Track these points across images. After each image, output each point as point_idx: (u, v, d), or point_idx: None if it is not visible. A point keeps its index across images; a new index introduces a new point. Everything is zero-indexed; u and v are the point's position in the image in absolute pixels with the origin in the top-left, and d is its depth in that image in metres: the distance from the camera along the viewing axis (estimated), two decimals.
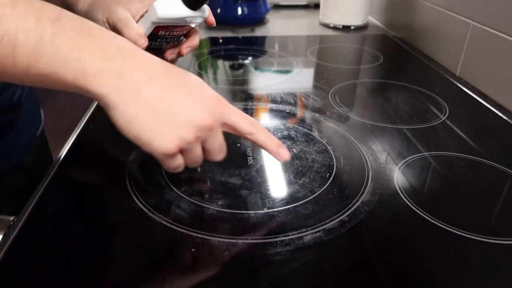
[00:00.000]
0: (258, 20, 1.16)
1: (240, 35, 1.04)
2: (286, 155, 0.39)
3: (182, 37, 0.51)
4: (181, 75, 0.36)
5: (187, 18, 0.46)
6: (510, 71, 0.63)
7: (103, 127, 0.57)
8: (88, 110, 0.61)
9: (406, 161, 0.49)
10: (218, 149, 0.37)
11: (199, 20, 0.48)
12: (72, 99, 2.66)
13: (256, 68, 0.82)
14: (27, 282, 0.33)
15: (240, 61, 0.87)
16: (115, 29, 0.45)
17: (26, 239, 0.37)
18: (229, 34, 1.04)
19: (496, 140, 0.55)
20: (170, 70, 0.35)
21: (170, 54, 0.51)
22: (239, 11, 1.10)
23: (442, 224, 0.39)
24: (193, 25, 0.49)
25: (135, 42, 0.43)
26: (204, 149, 0.37)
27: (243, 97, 0.66)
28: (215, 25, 0.51)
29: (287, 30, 1.10)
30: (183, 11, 0.44)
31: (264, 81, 0.74)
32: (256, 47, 0.96)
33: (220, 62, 0.85)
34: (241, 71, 0.81)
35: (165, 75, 0.35)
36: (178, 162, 0.36)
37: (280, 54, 0.89)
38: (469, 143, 0.54)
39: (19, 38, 0.29)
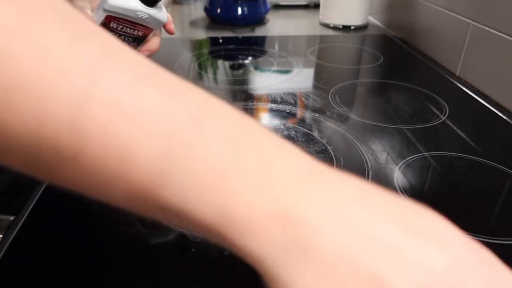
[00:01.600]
0: (258, 20, 1.16)
1: (240, 35, 1.04)
2: None
3: (139, 41, 0.49)
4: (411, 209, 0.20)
5: (140, 13, 0.45)
6: (510, 71, 0.63)
7: None
8: None
9: (406, 161, 0.49)
10: None
11: (155, 21, 0.47)
12: None
13: (256, 68, 0.82)
14: (27, 282, 0.33)
15: (240, 61, 0.87)
16: None
17: (26, 239, 0.37)
18: (229, 34, 1.04)
19: (496, 140, 0.55)
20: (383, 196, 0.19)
21: None
22: (239, 11, 1.10)
23: None
24: (149, 26, 0.47)
25: None
26: None
27: (243, 97, 0.66)
28: (173, 33, 0.50)
29: (287, 30, 1.10)
30: (136, 5, 0.44)
31: (264, 81, 0.74)
32: (256, 47, 0.96)
33: (220, 62, 0.85)
34: (241, 71, 0.81)
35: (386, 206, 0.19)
36: None
37: (280, 54, 0.89)
38: (469, 143, 0.54)
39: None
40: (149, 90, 0.17)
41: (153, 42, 0.50)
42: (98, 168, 0.17)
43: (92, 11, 0.45)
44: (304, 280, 0.15)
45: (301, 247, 0.16)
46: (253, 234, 0.17)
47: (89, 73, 0.16)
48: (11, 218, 0.39)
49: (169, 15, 0.49)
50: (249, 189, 0.17)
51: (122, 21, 0.45)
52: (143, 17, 0.45)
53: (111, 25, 0.46)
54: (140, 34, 0.48)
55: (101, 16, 0.44)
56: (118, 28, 0.46)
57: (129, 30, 0.47)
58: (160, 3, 0.45)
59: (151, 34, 0.50)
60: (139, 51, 0.50)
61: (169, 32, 0.50)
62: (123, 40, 0.48)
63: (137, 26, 0.47)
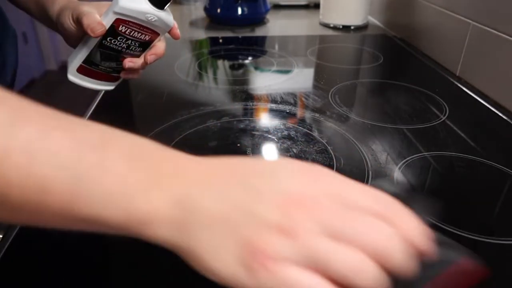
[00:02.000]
0: (258, 20, 1.16)
1: (240, 35, 1.04)
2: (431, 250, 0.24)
3: (145, 46, 0.50)
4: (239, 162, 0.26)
5: (150, 16, 0.45)
6: (510, 71, 0.63)
7: None
8: (88, 110, 0.61)
9: (406, 161, 0.49)
10: (385, 244, 0.21)
11: (163, 25, 0.47)
12: (72, 99, 2.66)
13: (256, 68, 0.82)
14: (26, 282, 0.33)
15: (240, 61, 0.87)
16: (77, 21, 0.45)
17: (26, 239, 0.37)
18: (229, 34, 1.04)
19: (496, 140, 0.55)
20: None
21: (129, 61, 0.49)
22: (239, 11, 1.10)
23: (442, 224, 0.39)
24: (157, 30, 0.47)
25: (92, 29, 0.43)
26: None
27: (243, 97, 0.66)
28: (179, 38, 0.51)
29: (287, 30, 1.10)
30: (146, 7, 0.44)
31: (264, 81, 0.74)
32: (256, 47, 0.96)
33: (220, 62, 0.85)
34: (241, 71, 0.81)
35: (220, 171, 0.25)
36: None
37: (280, 54, 0.89)
38: (469, 143, 0.54)
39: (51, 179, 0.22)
40: (55, 134, 0.22)
41: (159, 47, 0.51)
42: (24, 202, 0.22)
43: (99, 16, 0.45)
44: (203, 240, 0.22)
45: (194, 220, 0.22)
46: (158, 224, 0.22)
47: (5, 132, 0.21)
48: None
49: (174, 21, 0.49)
50: (147, 190, 0.22)
51: (131, 24, 0.45)
52: (153, 20, 0.45)
53: (120, 29, 0.45)
54: (147, 39, 0.48)
55: (111, 19, 0.44)
56: (126, 32, 0.46)
57: (136, 34, 0.47)
58: (168, 7, 0.45)
59: (157, 40, 0.50)
60: (145, 56, 0.50)
61: (175, 36, 0.50)
62: (130, 44, 0.48)
63: (145, 30, 0.47)
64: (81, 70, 0.49)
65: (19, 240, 0.37)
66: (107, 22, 0.45)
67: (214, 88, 0.71)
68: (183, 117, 0.59)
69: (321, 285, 0.20)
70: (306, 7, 1.35)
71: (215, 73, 0.80)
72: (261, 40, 1.02)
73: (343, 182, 0.24)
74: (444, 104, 0.64)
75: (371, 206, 0.22)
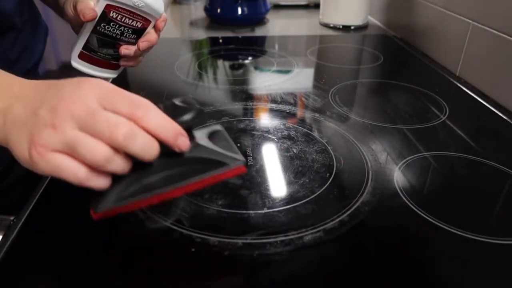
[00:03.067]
0: (258, 20, 1.16)
1: (240, 35, 1.04)
2: (184, 144, 0.32)
3: (138, 33, 0.52)
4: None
5: (137, 2, 0.47)
6: (510, 71, 0.63)
7: None
8: None
9: (406, 161, 0.49)
10: (124, 138, 0.29)
11: (151, 11, 0.50)
12: None
13: (256, 68, 0.82)
14: (27, 282, 0.33)
15: (240, 61, 0.87)
16: (74, 8, 0.49)
17: (26, 239, 0.37)
18: (229, 34, 1.04)
19: (496, 140, 0.55)
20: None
21: (124, 48, 0.52)
22: (239, 11, 1.10)
23: (442, 224, 0.39)
24: (147, 16, 0.50)
25: (83, 14, 0.48)
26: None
27: (243, 97, 0.66)
28: (160, 30, 0.54)
29: (287, 30, 1.10)
30: None
31: (264, 81, 0.74)
32: (256, 47, 0.96)
33: (220, 62, 0.85)
34: (241, 71, 0.81)
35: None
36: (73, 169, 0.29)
37: (280, 54, 0.89)
38: (469, 143, 0.54)
39: None
40: None
41: (152, 35, 0.53)
42: None
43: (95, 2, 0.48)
44: (12, 137, 0.30)
45: (8, 123, 0.30)
46: None
47: None
48: (11, 218, 0.39)
49: (164, 14, 0.52)
50: None
51: (121, 10, 0.48)
52: (140, 5, 0.48)
53: (111, 15, 0.48)
54: (139, 26, 0.51)
55: (102, 5, 0.47)
56: (118, 18, 0.49)
57: (128, 21, 0.49)
58: None
59: (150, 27, 0.52)
60: (138, 42, 0.52)
61: (156, 27, 0.53)
62: (124, 31, 0.50)
63: (136, 16, 0.49)
64: (82, 56, 0.53)
65: (19, 239, 0.37)
66: (98, 8, 0.48)
67: (214, 88, 0.71)
68: (183, 117, 0.59)
69: (75, 166, 0.29)
70: (306, 7, 1.35)
71: (215, 73, 0.80)
72: (261, 40, 1.02)
73: (111, 90, 0.31)
74: (444, 104, 0.64)
75: (125, 109, 0.30)
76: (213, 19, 1.15)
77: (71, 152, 0.29)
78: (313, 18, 1.21)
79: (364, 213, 0.40)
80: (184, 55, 0.87)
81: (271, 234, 0.37)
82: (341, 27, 1.10)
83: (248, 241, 0.36)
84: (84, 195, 0.45)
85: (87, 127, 0.28)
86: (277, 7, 1.33)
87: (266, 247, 0.36)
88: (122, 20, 0.49)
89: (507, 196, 0.44)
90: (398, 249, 0.37)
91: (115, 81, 0.53)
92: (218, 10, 1.11)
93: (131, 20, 0.49)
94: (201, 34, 1.04)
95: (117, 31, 0.50)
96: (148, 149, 0.30)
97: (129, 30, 0.50)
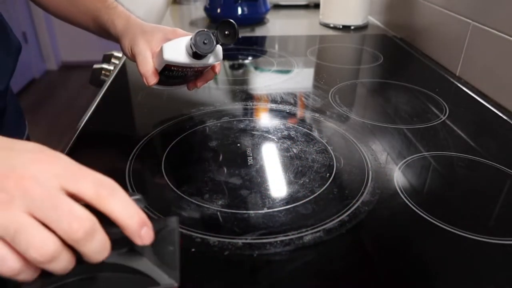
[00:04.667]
0: (258, 20, 1.16)
1: (240, 35, 1.04)
2: (148, 237, 0.27)
3: (199, 73, 0.54)
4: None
5: (193, 64, 0.48)
6: (510, 71, 0.63)
7: (103, 127, 0.57)
8: (87, 111, 0.61)
9: (406, 161, 0.49)
10: (84, 235, 0.24)
11: (207, 66, 0.51)
12: (72, 99, 2.67)
13: (256, 68, 0.82)
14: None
15: (240, 61, 0.87)
16: (134, 59, 0.51)
17: None
18: None
19: (496, 140, 0.55)
20: None
21: (191, 86, 0.56)
22: (239, 11, 1.10)
23: (442, 224, 0.39)
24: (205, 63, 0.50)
25: (146, 79, 0.50)
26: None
27: (243, 97, 0.66)
28: (218, 74, 0.56)
29: (287, 30, 1.10)
30: (187, 59, 0.47)
31: (264, 81, 0.74)
32: (256, 47, 0.96)
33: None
34: (241, 71, 0.81)
35: None
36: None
37: (280, 54, 0.89)
38: (469, 143, 0.54)
39: None
40: None
41: (210, 74, 0.55)
42: None
43: (152, 57, 0.50)
44: None
45: None
46: None
47: None
48: None
49: (220, 52, 0.51)
50: None
51: (180, 67, 0.49)
52: (197, 65, 0.49)
53: (172, 68, 0.49)
54: (199, 69, 0.53)
55: (162, 64, 0.48)
56: (179, 69, 0.50)
57: (189, 69, 0.51)
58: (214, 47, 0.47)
59: (208, 67, 0.54)
60: (196, 82, 0.55)
61: (213, 69, 0.54)
62: (186, 72, 0.52)
63: (194, 67, 0.51)
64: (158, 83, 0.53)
65: None
66: (159, 66, 0.49)
67: (214, 88, 0.71)
68: (183, 117, 0.59)
69: (6, 254, 0.23)
70: (306, 7, 1.35)
71: None
72: (261, 40, 1.02)
73: (73, 167, 0.26)
74: (444, 104, 0.65)
75: (90, 190, 0.25)
76: (213, 19, 1.15)
77: (8, 240, 0.23)
78: (313, 18, 1.21)
79: (364, 213, 0.40)
80: None
81: (271, 234, 0.37)
82: (341, 27, 1.10)
83: (248, 241, 0.36)
84: None
85: (40, 213, 0.24)
86: (277, 7, 1.33)
87: (266, 247, 0.36)
88: (184, 70, 0.51)
89: (507, 196, 0.44)
90: (398, 249, 0.37)
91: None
92: (218, 10, 1.11)
93: (191, 69, 0.51)
94: None
95: (181, 73, 0.52)
96: (102, 251, 0.26)
97: (191, 71, 0.53)
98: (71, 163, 0.26)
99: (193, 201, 0.41)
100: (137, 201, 0.28)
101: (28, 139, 0.65)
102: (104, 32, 0.56)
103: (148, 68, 0.49)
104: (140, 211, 0.27)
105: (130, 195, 0.27)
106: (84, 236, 0.24)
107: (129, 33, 0.52)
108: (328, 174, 0.46)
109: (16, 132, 0.61)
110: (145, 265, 0.30)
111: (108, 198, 0.25)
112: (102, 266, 0.27)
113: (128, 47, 0.51)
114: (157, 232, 0.30)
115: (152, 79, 0.49)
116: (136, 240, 0.27)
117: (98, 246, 0.25)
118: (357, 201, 0.42)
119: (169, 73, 0.51)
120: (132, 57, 0.52)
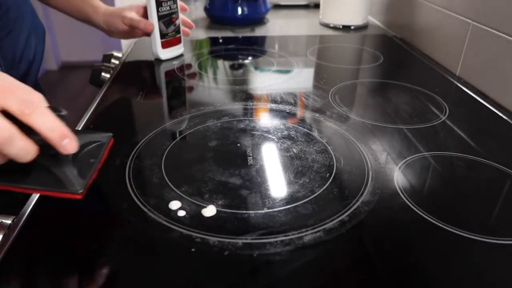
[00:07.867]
0: (258, 20, 1.16)
1: (240, 35, 1.04)
2: (70, 147, 0.35)
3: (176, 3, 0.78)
4: None
5: None
6: (510, 71, 0.63)
7: (103, 127, 0.57)
8: (88, 111, 0.61)
9: (406, 161, 0.49)
10: (1, 142, 0.32)
11: None
12: (72, 99, 2.66)
13: (256, 68, 0.82)
14: (27, 282, 0.33)
15: (240, 61, 0.87)
16: (131, 25, 0.75)
17: (26, 239, 0.37)
18: (229, 34, 1.04)
19: (496, 140, 0.55)
20: None
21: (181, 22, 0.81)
22: (239, 11, 1.10)
23: (442, 224, 0.39)
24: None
25: (147, 27, 0.74)
26: None
27: (243, 97, 0.66)
28: (192, 27, 0.84)
29: (287, 30, 1.10)
30: None
31: (264, 81, 0.74)
32: (256, 47, 0.96)
33: (220, 62, 0.85)
34: (241, 71, 0.81)
35: None
36: None
37: (280, 54, 0.89)
38: (469, 143, 0.54)
39: None
40: None
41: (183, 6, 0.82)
42: None
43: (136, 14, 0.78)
44: None
45: None
46: None
47: None
48: (11, 218, 0.39)
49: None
50: None
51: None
52: None
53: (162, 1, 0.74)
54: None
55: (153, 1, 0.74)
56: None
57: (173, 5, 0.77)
58: None
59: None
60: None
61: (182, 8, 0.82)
62: (170, 4, 0.76)
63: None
64: (163, 46, 0.79)
65: (19, 239, 0.37)
66: (151, 4, 0.74)
67: (214, 88, 0.71)
68: (183, 117, 0.59)
69: None
70: (306, 7, 1.35)
71: (215, 73, 0.80)
72: (261, 40, 1.02)
73: (4, 85, 0.32)
74: (444, 104, 0.64)
75: (15, 106, 0.31)
76: (213, 19, 1.15)
77: None
78: (313, 18, 1.21)
79: (364, 213, 0.40)
80: (184, 55, 0.87)
81: (271, 234, 0.37)
82: (341, 27, 1.10)
83: (248, 241, 0.36)
84: (84, 196, 0.44)
85: None
86: (277, 7, 1.33)
87: (266, 247, 0.36)
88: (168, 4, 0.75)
89: (507, 196, 0.44)
90: (398, 249, 0.37)
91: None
92: (218, 10, 1.11)
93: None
94: (201, 34, 1.04)
95: (168, 7, 0.75)
96: (23, 154, 0.33)
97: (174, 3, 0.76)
98: (5, 83, 0.32)
99: (193, 201, 0.41)
100: (61, 117, 0.34)
101: None
102: (86, 19, 0.78)
103: (146, 21, 0.74)
104: (62, 124, 0.33)
105: (55, 111, 0.34)
106: (3, 141, 0.31)
107: (115, 16, 0.75)
108: (328, 174, 0.46)
109: None
110: (61, 170, 0.37)
111: (30, 114, 0.32)
112: (34, 163, 0.35)
113: (121, 22, 0.75)
114: (87, 144, 0.38)
115: (150, 27, 0.74)
116: (60, 149, 0.34)
117: (19, 150, 0.32)
118: (357, 201, 0.42)
119: (162, 9, 0.74)
120: (130, 27, 0.76)
